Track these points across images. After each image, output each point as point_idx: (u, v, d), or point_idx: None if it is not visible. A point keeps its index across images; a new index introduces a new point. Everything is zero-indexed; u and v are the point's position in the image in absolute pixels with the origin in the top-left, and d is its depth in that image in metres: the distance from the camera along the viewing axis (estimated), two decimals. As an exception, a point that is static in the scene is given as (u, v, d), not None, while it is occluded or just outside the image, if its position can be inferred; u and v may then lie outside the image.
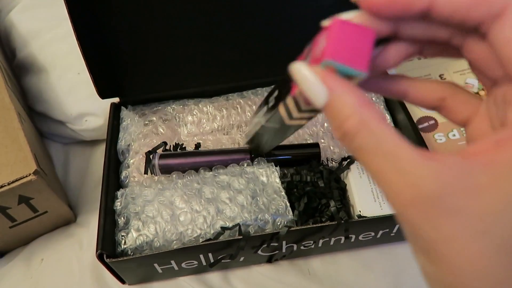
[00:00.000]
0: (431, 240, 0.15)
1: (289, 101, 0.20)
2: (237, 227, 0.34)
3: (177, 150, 0.42)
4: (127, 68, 0.43)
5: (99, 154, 0.49)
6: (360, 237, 0.37)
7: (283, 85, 0.22)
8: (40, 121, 0.50)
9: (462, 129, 0.45)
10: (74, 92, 0.47)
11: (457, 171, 0.15)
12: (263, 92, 0.46)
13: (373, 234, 0.37)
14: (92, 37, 0.39)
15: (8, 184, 0.34)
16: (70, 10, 0.35)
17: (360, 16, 0.17)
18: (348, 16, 0.17)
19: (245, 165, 0.38)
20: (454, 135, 0.45)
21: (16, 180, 0.34)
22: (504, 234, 0.14)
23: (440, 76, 0.51)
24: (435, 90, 0.19)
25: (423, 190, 0.15)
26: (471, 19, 0.15)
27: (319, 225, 0.34)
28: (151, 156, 0.39)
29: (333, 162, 0.41)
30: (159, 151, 0.41)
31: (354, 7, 0.46)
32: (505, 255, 0.14)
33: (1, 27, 0.56)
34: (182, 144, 0.42)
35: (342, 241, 0.37)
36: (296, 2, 0.41)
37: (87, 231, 0.42)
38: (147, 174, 0.39)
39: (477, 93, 0.48)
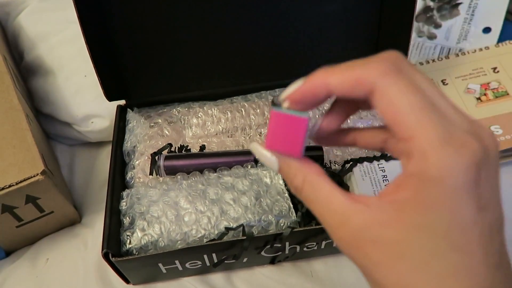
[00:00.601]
0: (365, 266, 0.19)
1: None
2: (241, 227, 0.35)
3: (182, 152, 0.42)
4: (134, 71, 0.44)
5: (104, 155, 0.50)
6: (363, 239, 0.37)
7: None
8: (46, 123, 0.50)
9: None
10: (80, 94, 0.48)
11: (375, 209, 0.19)
12: (267, 95, 0.47)
13: (375, 236, 0.37)
14: (100, 40, 0.40)
15: (16, 183, 0.35)
16: (80, 13, 0.36)
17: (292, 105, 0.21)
18: (284, 105, 0.21)
19: (249, 166, 0.39)
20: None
21: (24, 180, 0.35)
22: (415, 256, 0.18)
23: (443, 81, 0.52)
24: (377, 135, 0.23)
25: (351, 226, 0.19)
26: (357, 96, 0.19)
27: (322, 226, 0.34)
28: (156, 158, 0.40)
29: (336, 165, 0.41)
30: (165, 152, 0.41)
31: (355, 13, 0.47)
32: (423, 273, 0.17)
33: (10, 30, 0.57)
34: (187, 146, 0.42)
35: (345, 243, 0.37)
36: (300, 8, 0.42)
37: (92, 231, 0.43)
38: (152, 175, 0.40)
39: (479, 98, 0.49)
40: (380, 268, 0.18)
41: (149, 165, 0.40)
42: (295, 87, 0.21)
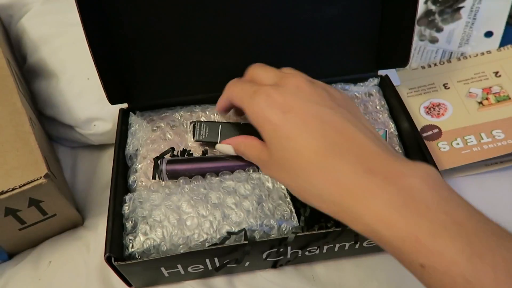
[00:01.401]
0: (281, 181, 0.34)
1: None
2: (243, 232, 0.35)
3: (184, 156, 0.42)
4: (136, 75, 0.44)
5: (106, 158, 0.50)
6: (365, 244, 0.38)
7: None
8: (49, 125, 0.51)
9: (465, 137, 0.46)
10: (83, 97, 0.48)
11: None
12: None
13: (377, 240, 0.37)
14: (103, 44, 0.40)
15: (20, 187, 0.35)
16: (83, 17, 0.36)
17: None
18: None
19: (251, 171, 0.39)
20: (458, 144, 0.46)
21: (27, 183, 0.35)
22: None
23: (444, 85, 0.52)
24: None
25: (261, 155, 0.33)
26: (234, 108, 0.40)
27: (324, 231, 0.35)
28: (158, 162, 0.40)
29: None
30: (167, 156, 0.41)
31: (356, 17, 0.47)
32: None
33: (13, 32, 0.57)
34: (190, 150, 0.42)
35: (347, 247, 0.38)
36: (301, 13, 0.42)
37: (95, 234, 0.43)
38: (155, 179, 0.40)
39: (481, 102, 0.49)
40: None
41: (152, 169, 0.41)
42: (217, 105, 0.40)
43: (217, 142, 0.40)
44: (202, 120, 0.44)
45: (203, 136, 0.41)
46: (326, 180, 0.27)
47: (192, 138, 0.43)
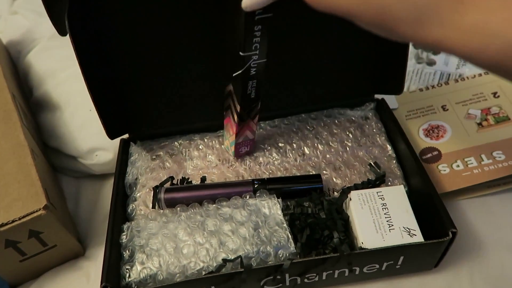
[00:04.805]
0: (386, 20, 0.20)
1: None
2: (239, 259, 0.35)
3: (183, 184, 0.43)
4: (135, 105, 0.45)
5: (108, 187, 0.50)
6: (365, 270, 0.37)
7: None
8: (53, 156, 0.52)
9: (466, 159, 0.45)
10: (85, 128, 0.49)
11: None
12: (266, 125, 0.47)
13: (377, 266, 0.37)
14: (100, 78, 0.41)
15: (19, 218, 0.35)
16: (78, 54, 0.37)
17: None
18: None
19: (247, 197, 0.39)
20: (458, 166, 0.45)
21: (27, 215, 0.35)
22: None
23: (443, 107, 0.52)
24: None
25: None
26: None
27: (322, 257, 0.34)
28: (157, 190, 0.40)
29: (335, 192, 0.41)
30: (167, 185, 0.42)
31: (352, 45, 0.48)
32: None
33: (21, 67, 0.59)
34: (188, 178, 0.43)
35: (347, 273, 0.37)
36: (299, 40, 0.43)
37: (95, 264, 0.43)
38: (154, 208, 0.40)
39: (480, 123, 0.49)
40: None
41: (151, 198, 0.41)
42: None
43: None
44: None
45: None
46: None
47: (190, 166, 0.43)
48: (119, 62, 0.41)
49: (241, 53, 0.33)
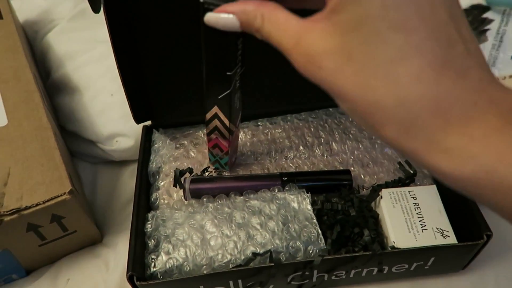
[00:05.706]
0: (324, 80, 0.20)
1: None
2: (268, 253, 0.34)
3: (204, 174, 0.42)
4: (161, 93, 0.44)
5: (127, 174, 0.49)
6: (393, 269, 0.36)
7: None
8: (70, 140, 0.51)
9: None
10: (106, 113, 0.48)
11: (322, 23, 0.20)
12: (293, 118, 0.46)
13: (406, 266, 0.36)
14: (130, 64, 0.40)
15: (43, 202, 0.34)
16: (112, 36, 0.36)
17: None
18: None
19: (276, 190, 0.38)
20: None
21: (51, 199, 0.34)
22: (361, 51, 0.19)
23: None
24: None
25: (304, 43, 0.21)
26: None
27: (353, 254, 0.33)
28: (182, 180, 0.39)
29: (364, 190, 0.40)
30: (187, 175, 0.41)
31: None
32: (372, 66, 0.19)
33: (38, 48, 0.58)
34: (208, 167, 0.42)
35: (375, 272, 0.36)
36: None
37: (114, 252, 0.42)
38: (176, 187, 0.39)
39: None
40: (337, 76, 0.20)
41: (173, 184, 0.40)
42: None
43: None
44: None
45: None
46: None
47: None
48: (148, 47, 0.40)
49: (228, 73, 0.31)
